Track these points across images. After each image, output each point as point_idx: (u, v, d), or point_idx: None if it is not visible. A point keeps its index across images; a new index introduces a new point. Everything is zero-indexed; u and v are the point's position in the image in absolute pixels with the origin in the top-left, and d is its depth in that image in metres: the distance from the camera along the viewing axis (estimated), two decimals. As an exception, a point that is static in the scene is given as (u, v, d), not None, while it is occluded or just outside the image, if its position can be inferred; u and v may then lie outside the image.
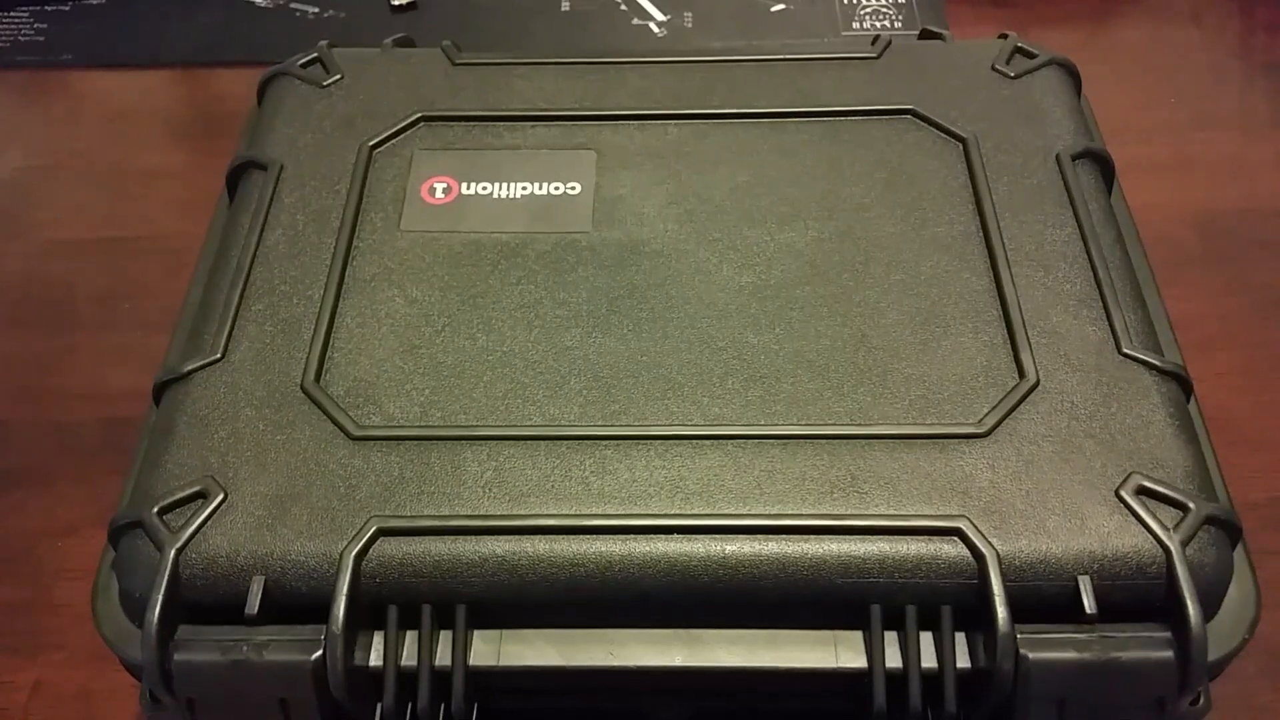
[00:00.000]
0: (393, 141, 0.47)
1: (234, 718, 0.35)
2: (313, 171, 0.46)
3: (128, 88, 0.70)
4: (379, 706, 0.34)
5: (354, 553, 0.34)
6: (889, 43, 0.50)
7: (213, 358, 0.40)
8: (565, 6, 0.74)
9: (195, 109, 0.71)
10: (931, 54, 0.51)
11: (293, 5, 0.74)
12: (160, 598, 0.33)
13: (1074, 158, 0.45)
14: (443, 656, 0.34)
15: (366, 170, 0.46)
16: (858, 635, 0.35)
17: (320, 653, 0.33)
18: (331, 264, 0.42)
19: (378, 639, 0.35)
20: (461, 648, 0.34)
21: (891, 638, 0.34)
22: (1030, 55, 0.50)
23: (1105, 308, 0.40)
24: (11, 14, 0.74)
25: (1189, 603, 0.33)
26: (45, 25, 0.73)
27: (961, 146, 0.46)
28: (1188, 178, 0.63)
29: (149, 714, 0.35)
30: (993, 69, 0.49)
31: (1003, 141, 0.46)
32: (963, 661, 0.34)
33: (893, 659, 0.34)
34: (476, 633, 0.35)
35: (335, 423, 0.38)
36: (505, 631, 0.35)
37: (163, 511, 0.35)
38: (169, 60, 0.72)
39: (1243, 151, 0.65)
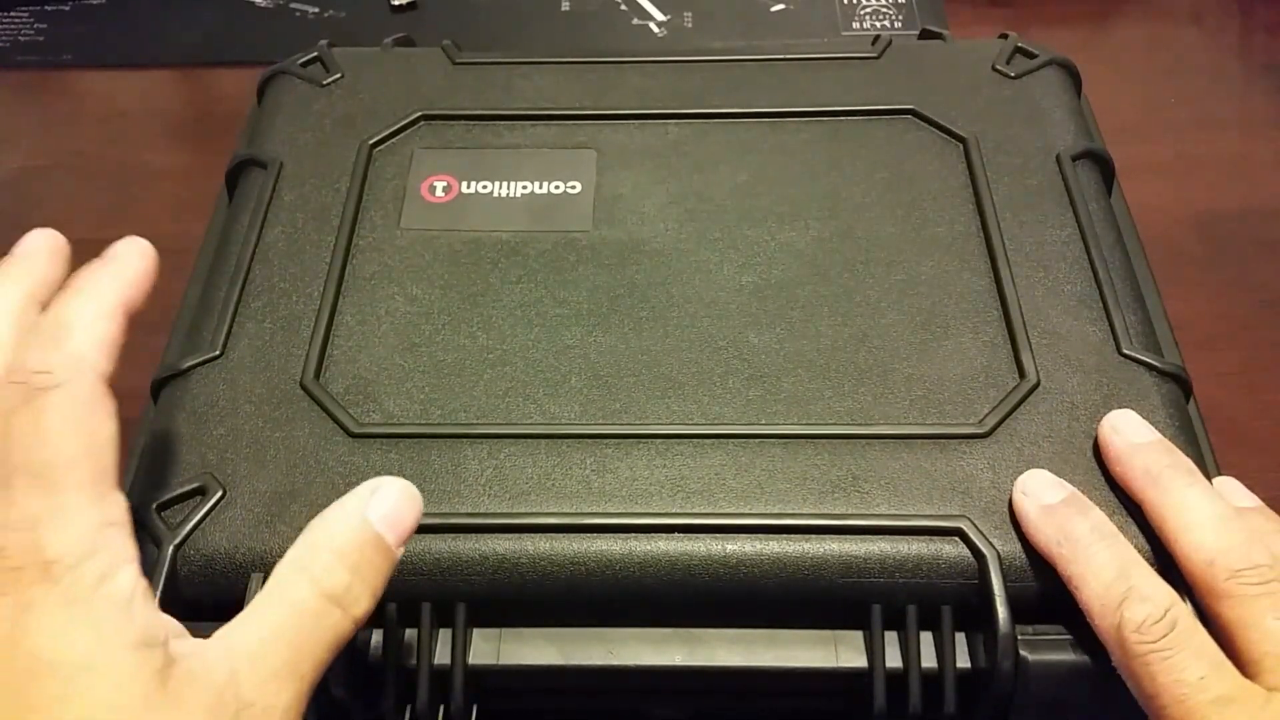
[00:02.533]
0: (393, 140, 0.47)
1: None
2: (313, 169, 0.46)
3: (128, 88, 0.70)
4: (377, 705, 0.34)
5: (353, 551, 0.34)
6: (889, 43, 0.50)
7: (212, 354, 0.39)
8: (565, 6, 0.74)
9: (195, 109, 0.70)
10: (931, 54, 0.51)
11: (293, 5, 0.74)
12: (158, 594, 0.33)
13: (1074, 158, 0.45)
14: (442, 655, 0.34)
15: (366, 168, 0.46)
16: (858, 635, 0.35)
17: (319, 651, 0.33)
18: (331, 261, 0.42)
19: (376, 637, 0.34)
20: (461, 646, 0.34)
21: (891, 637, 0.34)
22: (1030, 55, 0.50)
23: (1105, 308, 0.40)
24: (11, 14, 0.74)
25: (1189, 602, 0.33)
26: (45, 25, 0.73)
27: (961, 146, 0.46)
28: (1188, 178, 0.63)
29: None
30: (993, 69, 0.49)
31: (1003, 141, 0.46)
32: (963, 661, 0.34)
33: (893, 659, 0.34)
34: (476, 631, 0.35)
35: (335, 420, 0.37)
36: (505, 630, 0.35)
37: (161, 508, 0.35)
38: (169, 60, 0.71)
39: (1243, 152, 0.65)
